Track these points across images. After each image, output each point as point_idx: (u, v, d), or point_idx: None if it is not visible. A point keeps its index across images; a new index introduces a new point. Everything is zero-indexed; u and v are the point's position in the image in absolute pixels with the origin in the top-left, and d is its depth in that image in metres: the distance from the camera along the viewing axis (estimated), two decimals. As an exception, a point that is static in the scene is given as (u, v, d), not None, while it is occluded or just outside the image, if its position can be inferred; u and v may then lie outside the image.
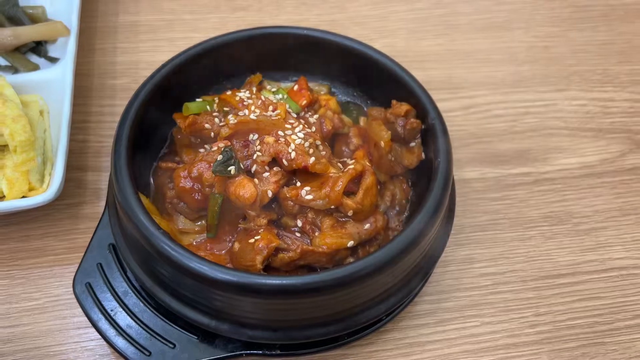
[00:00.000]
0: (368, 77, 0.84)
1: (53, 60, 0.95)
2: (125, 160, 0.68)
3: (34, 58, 0.96)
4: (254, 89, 0.81)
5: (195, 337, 0.68)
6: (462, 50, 1.11)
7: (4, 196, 0.77)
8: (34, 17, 0.96)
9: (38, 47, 0.96)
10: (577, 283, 0.83)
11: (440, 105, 0.85)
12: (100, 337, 0.73)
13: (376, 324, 0.70)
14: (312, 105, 0.79)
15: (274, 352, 0.67)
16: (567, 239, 0.87)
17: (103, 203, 0.84)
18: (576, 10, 1.19)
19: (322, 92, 0.86)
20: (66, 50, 0.91)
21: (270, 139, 0.69)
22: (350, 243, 0.67)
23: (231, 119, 0.71)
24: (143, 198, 0.71)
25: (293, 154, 0.68)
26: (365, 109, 0.86)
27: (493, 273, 0.83)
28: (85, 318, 0.73)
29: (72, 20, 0.93)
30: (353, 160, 0.74)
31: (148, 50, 1.05)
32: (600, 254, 0.86)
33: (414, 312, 0.79)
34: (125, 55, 1.04)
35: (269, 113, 0.73)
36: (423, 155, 0.78)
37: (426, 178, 0.77)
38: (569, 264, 0.85)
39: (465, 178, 0.93)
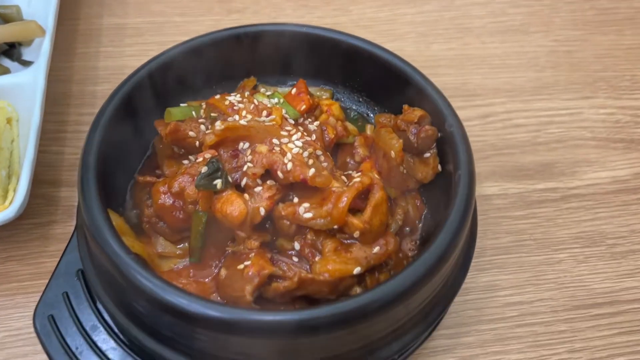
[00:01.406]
0: (375, 80, 0.75)
1: (26, 63, 0.86)
2: (94, 174, 0.59)
3: (7, 62, 0.87)
4: (247, 93, 0.71)
5: (175, 382, 0.57)
6: (477, 55, 1.02)
7: (-39, 214, 0.67)
8: (7, 17, 0.88)
9: (11, 50, 0.88)
10: (615, 314, 0.73)
11: (455, 114, 0.77)
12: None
13: (388, 364, 0.60)
14: (313, 111, 0.70)
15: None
16: (601, 262, 0.77)
17: (75, 222, 0.75)
18: (598, 12, 1.10)
19: (323, 97, 0.76)
20: (40, 51, 0.82)
21: (263, 148, 0.60)
22: (357, 270, 0.57)
23: (218, 124, 0.61)
24: (115, 217, 0.61)
25: (289, 165, 0.58)
26: (372, 116, 0.77)
27: (519, 302, 0.73)
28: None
29: (49, 20, 0.84)
30: (359, 174, 0.64)
31: (134, 54, 0.97)
32: (640, 280, 0.76)
33: (430, 349, 0.68)
34: (109, 60, 0.95)
35: (262, 118, 0.63)
36: (439, 168, 0.68)
37: (443, 194, 0.67)
38: (605, 291, 0.74)
39: (486, 194, 0.83)
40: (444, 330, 0.70)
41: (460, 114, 0.91)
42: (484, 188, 0.84)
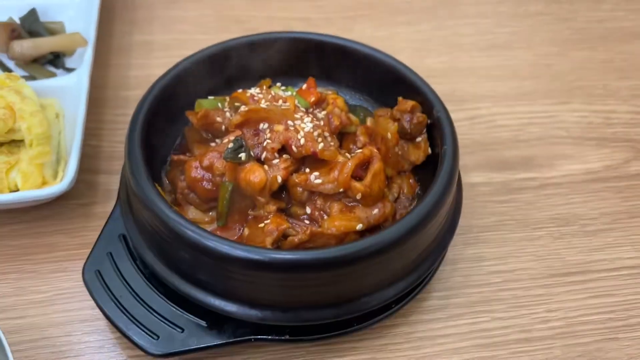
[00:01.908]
0: (374, 79, 0.86)
1: (70, 70, 0.98)
2: (140, 149, 0.70)
3: (52, 70, 0.99)
4: (264, 88, 0.83)
5: (204, 323, 0.67)
6: (466, 67, 1.14)
7: (19, 190, 0.78)
8: (53, 32, 1.01)
9: (56, 60, 1.00)
10: (588, 281, 0.82)
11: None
12: (107, 328, 0.73)
13: (386, 311, 0.70)
14: (321, 103, 0.81)
15: (282, 337, 0.67)
16: (575, 239, 0.87)
17: (113, 203, 0.85)
18: (574, 32, 1.22)
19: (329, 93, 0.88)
20: (83, 60, 0.94)
21: (279, 127, 0.71)
22: (359, 226, 0.68)
23: (242, 107, 0.72)
24: (157, 187, 0.72)
25: (302, 141, 0.70)
26: (372, 110, 0.88)
27: (502, 271, 0.83)
28: (93, 311, 0.73)
29: (90, 33, 0.97)
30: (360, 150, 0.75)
31: (161, 65, 1.07)
32: (609, 253, 0.86)
33: (423, 307, 0.78)
34: (139, 70, 1.08)
35: (279, 104, 0.75)
36: (429, 150, 0.79)
37: (433, 174, 0.78)
38: (578, 262, 0.84)
39: (472, 182, 0.94)
40: (436, 293, 0.79)
41: (450, 116, 1.04)
42: (471, 177, 0.94)
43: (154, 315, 0.67)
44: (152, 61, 1.10)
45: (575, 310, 0.79)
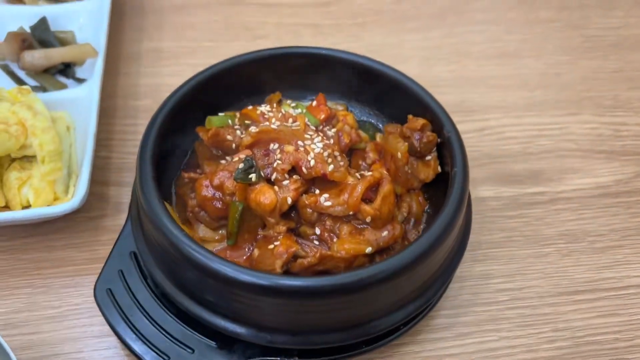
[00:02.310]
0: (384, 94, 0.86)
1: (80, 81, 0.99)
2: (151, 167, 0.71)
3: (62, 80, 1.00)
4: (274, 105, 0.83)
5: (214, 343, 0.68)
6: (474, 76, 1.13)
7: (30, 206, 0.79)
8: (64, 41, 1.01)
9: (66, 70, 1.00)
10: (595, 300, 0.82)
11: (454, 127, 0.87)
12: (118, 344, 0.74)
13: (394, 333, 0.70)
14: (330, 120, 0.81)
15: (292, 359, 0.67)
16: (583, 256, 0.87)
17: (124, 216, 0.86)
18: (585, 40, 1.22)
19: (339, 109, 0.88)
20: (93, 71, 0.94)
21: (290, 148, 0.71)
22: (369, 249, 0.68)
23: (253, 128, 0.73)
24: (167, 205, 0.72)
25: (312, 162, 0.70)
26: (381, 126, 0.88)
27: (510, 289, 0.83)
28: (103, 327, 0.74)
29: (100, 43, 0.97)
30: (370, 173, 0.75)
31: (170, 74, 1.09)
32: (618, 271, 0.86)
33: (431, 326, 0.78)
34: (148, 79, 1.08)
35: (289, 123, 0.75)
36: (439, 169, 0.79)
37: (443, 192, 0.78)
38: (586, 280, 0.84)
39: (481, 196, 0.94)
40: (444, 311, 0.80)
41: (459, 127, 1.02)
42: (480, 191, 0.94)
43: (165, 335, 0.68)
44: (161, 69, 1.10)
45: (581, 330, 0.79)
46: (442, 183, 0.78)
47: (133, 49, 1.13)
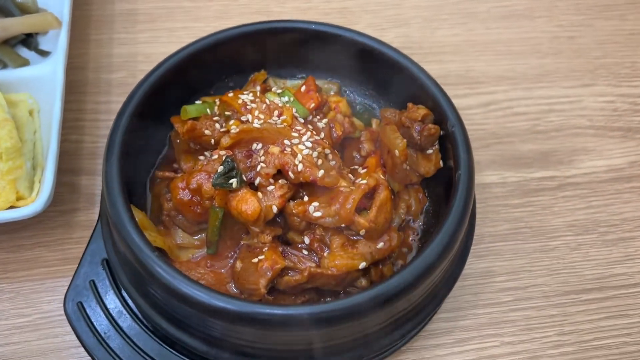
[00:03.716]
0: (382, 75, 0.78)
1: (44, 53, 0.89)
2: (118, 173, 0.63)
3: (24, 51, 0.90)
4: (258, 89, 0.75)
5: (194, 364, 0.63)
6: (481, 41, 1.04)
7: (-9, 205, 0.72)
8: (24, 8, 0.90)
9: (28, 40, 0.90)
10: (604, 299, 0.77)
11: (458, 102, 0.78)
12: (94, 358, 0.68)
13: (392, 347, 0.65)
14: (321, 108, 0.73)
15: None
16: (593, 249, 0.81)
17: (97, 209, 0.79)
18: (602, -4, 1.11)
19: (331, 92, 0.80)
20: (57, 43, 0.84)
21: (275, 149, 0.64)
22: (362, 265, 0.62)
23: (233, 128, 0.64)
24: (137, 212, 0.65)
25: (300, 167, 0.62)
26: (378, 109, 0.80)
27: (514, 288, 0.78)
28: (79, 336, 0.69)
29: (64, 12, 0.87)
30: (365, 170, 0.68)
31: (146, 41, 0.99)
32: (629, 266, 0.80)
33: (429, 331, 0.73)
34: (122, 47, 0.98)
35: (274, 119, 0.67)
36: (441, 163, 0.72)
37: (444, 188, 0.71)
38: (595, 277, 0.79)
39: (485, 182, 0.87)
40: (443, 314, 0.75)
41: (463, 102, 0.95)
42: (484, 177, 0.87)
43: (142, 355, 0.63)
44: (136, 35, 1.00)
45: (589, 333, 0.75)
46: (444, 177, 0.71)
47: (105, 11, 1.02)
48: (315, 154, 0.64)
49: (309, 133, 0.66)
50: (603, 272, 0.79)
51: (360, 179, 0.64)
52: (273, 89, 0.75)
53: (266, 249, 0.63)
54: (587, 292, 0.78)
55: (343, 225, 0.62)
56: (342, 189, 0.63)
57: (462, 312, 0.75)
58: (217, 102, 0.72)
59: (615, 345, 0.74)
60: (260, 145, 0.65)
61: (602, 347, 0.74)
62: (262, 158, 0.64)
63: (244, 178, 0.64)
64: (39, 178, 0.75)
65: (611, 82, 0.99)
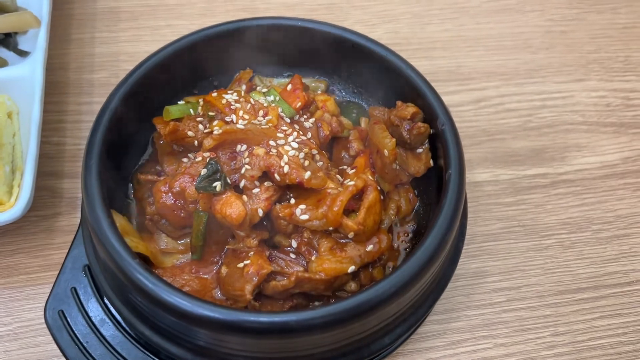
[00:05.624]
0: (370, 73, 0.76)
1: (23, 53, 0.86)
2: (97, 176, 0.61)
3: (3, 51, 0.88)
4: (243, 88, 0.73)
5: (180, 372, 0.61)
6: (472, 36, 1.02)
7: (-31, 211, 0.70)
8: (2, 7, 0.87)
9: (7, 39, 0.87)
10: (598, 298, 0.76)
11: (448, 99, 0.76)
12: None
13: (380, 353, 0.63)
14: (308, 107, 0.71)
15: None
16: (587, 248, 0.80)
17: (78, 214, 0.77)
18: (594, -11, 1.09)
19: (319, 90, 0.78)
20: (36, 43, 0.82)
21: (260, 151, 0.62)
22: (351, 268, 0.60)
23: (216, 129, 0.62)
24: (118, 217, 0.63)
25: (286, 168, 0.60)
26: (366, 107, 0.78)
27: (507, 288, 0.76)
28: (61, 345, 0.67)
29: (44, 10, 0.84)
30: (353, 171, 0.66)
31: (129, 40, 0.97)
32: (624, 264, 0.79)
33: (421, 334, 0.72)
34: (104, 46, 0.95)
35: (259, 119, 0.65)
36: (431, 162, 0.70)
37: (435, 187, 0.69)
38: (589, 276, 0.78)
39: (477, 180, 0.85)
40: (435, 316, 0.73)
41: (454, 98, 0.94)
42: (476, 175, 0.86)
43: (125, 364, 0.61)
44: (119, 34, 0.97)
45: (583, 334, 0.73)
46: (434, 176, 0.70)
47: (86, 9, 1.00)
48: (301, 155, 0.62)
49: (295, 133, 0.64)
50: (597, 270, 0.78)
51: (348, 179, 0.63)
52: (258, 88, 0.73)
53: (252, 253, 0.61)
54: (581, 291, 0.76)
55: (331, 228, 0.60)
56: (329, 190, 0.61)
57: (454, 314, 0.74)
58: (201, 102, 0.70)
59: (610, 345, 0.72)
60: (244, 147, 0.63)
61: (597, 347, 0.72)
62: (247, 160, 0.62)
63: (229, 181, 0.62)
64: (18, 182, 0.73)
65: (603, 77, 0.98)
